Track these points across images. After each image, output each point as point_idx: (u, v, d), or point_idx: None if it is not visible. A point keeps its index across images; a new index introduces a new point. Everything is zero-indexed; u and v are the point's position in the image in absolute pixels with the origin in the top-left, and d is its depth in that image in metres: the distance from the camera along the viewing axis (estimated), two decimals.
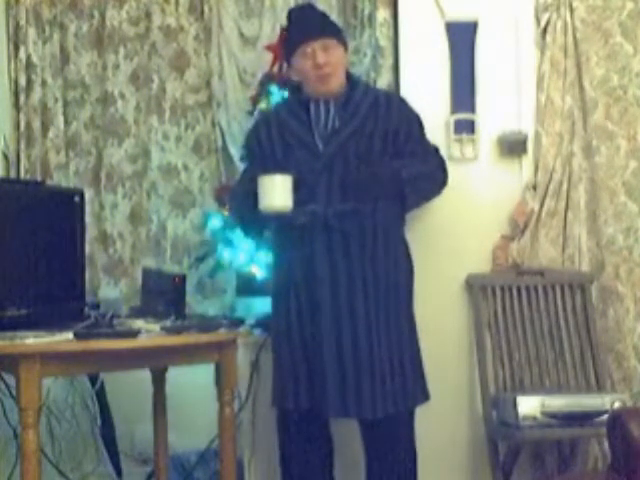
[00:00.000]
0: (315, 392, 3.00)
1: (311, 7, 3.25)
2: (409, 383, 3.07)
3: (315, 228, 3.03)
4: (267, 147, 3.15)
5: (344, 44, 3.16)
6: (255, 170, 3.07)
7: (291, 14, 3.20)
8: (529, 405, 3.23)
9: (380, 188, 3.03)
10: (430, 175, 3.16)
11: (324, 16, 3.21)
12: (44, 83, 4.02)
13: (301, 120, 3.11)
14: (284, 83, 3.63)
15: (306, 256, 3.04)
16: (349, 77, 3.17)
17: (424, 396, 3.13)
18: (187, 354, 3.05)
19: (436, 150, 3.25)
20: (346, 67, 3.17)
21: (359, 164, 3.03)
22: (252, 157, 3.24)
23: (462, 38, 3.67)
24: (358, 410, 2.99)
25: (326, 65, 3.05)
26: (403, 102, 3.26)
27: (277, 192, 2.95)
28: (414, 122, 3.18)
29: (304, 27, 3.10)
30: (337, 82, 3.09)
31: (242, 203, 3.13)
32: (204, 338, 3.03)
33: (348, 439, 3.28)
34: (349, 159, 3.05)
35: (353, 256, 3.03)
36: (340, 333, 2.99)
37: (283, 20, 3.98)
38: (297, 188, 2.97)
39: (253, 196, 2.98)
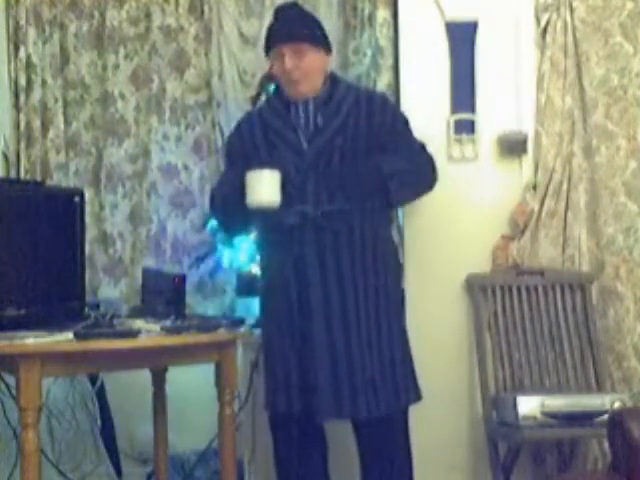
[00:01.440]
0: (308, 395, 3.00)
1: (295, 7, 3.16)
2: (401, 382, 3.05)
3: (305, 228, 3.01)
4: (250, 147, 3.12)
5: (324, 47, 3.10)
6: (238, 169, 3.04)
7: (275, 12, 3.16)
8: (529, 405, 3.23)
9: (363, 184, 3.00)
10: (416, 171, 3.10)
11: (304, 18, 3.13)
12: (44, 83, 4.02)
13: (284, 119, 3.08)
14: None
15: (296, 257, 3.02)
16: (331, 75, 3.14)
17: (416, 395, 3.12)
18: (187, 354, 3.04)
19: (423, 147, 3.18)
20: (325, 70, 3.10)
21: (342, 163, 3.02)
22: (235, 157, 3.19)
23: (462, 38, 3.67)
24: (352, 411, 2.98)
25: (295, 70, 3.01)
26: (386, 100, 3.23)
27: (265, 187, 2.93)
28: (398, 119, 3.14)
29: (278, 29, 3.07)
30: (307, 87, 3.05)
31: (227, 200, 3.09)
32: (204, 338, 3.03)
33: (343, 439, 3.27)
34: (334, 157, 3.02)
35: (343, 256, 3.01)
36: (332, 334, 2.98)
37: None
38: (283, 186, 2.95)
39: (239, 192, 2.95)
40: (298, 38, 3.04)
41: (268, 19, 4.02)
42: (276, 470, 3.17)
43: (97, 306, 3.31)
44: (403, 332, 3.13)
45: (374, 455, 3.08)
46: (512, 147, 3.66)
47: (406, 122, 3.17)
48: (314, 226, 3.00)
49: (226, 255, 3.78)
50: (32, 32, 3.99)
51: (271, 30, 3.11)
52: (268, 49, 3.11)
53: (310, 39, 3.06)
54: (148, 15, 4.11)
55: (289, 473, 3.13)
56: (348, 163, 3.02)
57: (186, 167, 4.13)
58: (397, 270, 3.19)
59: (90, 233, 3.93)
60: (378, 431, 3.05)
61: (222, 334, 3.10)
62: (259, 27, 4.10)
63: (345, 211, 3.01)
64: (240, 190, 2.96)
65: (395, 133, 3.10)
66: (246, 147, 3.13)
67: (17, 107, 3.99)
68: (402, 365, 3.07)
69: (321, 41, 3.10)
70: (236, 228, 3.28)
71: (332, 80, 3.13)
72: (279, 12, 3.14)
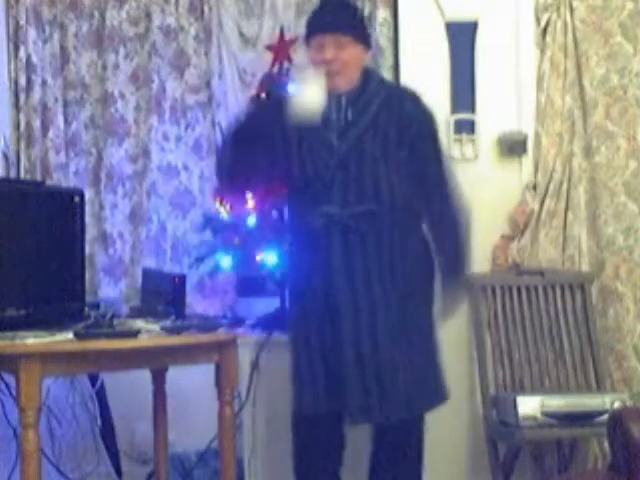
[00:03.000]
0: (336, 398, 2.94)
1: None
2: (427, 385, 3.00)
3: (331, 231, 2.94)
4: (278, 127, 2.99)
5: (364, 42, 3.05)
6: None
7: (320, 0, 3.14)
8: (529, 405, 3.23)
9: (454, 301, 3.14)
10: (465, 241, 3.13)
11: (349, 10, 3.10)
12: (44, 83, 4.02)
13: None
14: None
15: (323, 259, 2.95)
16: (365, 70, 3.06)
17: (442, 397, 3.05)
18: (187, 354, 3.05)
19: (457, 190, 3.12)
20: (362, 65, 3.04)
21: (373, 163, 2.96)
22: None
23: (462, 38, 3.68)
24: (382, 415, 2.92)
25: (334, 61, 2.96)
26: (417, 98, 3.11)
27: (310, 89, 2.88)
28: (426, 120, 3.06)
29: (322, 18, 3.03)
30: (344, 80, 2.99)
31: (248, 121, 3.05)
32: (204, 338, 3.03)
33: (351, 439, 3.26)
34: (365, 156, 2.96)
35: (370, 257, 2.94)
36: (360, 336, 2.92)
37: (283, 20, 3.99)
38: (310, 183, 2.93)
39: (264, 114, 2.96)
40: (341, 30, 2.99)
41: (268, 19, 4.06)
42: (294, 469, 3.10)
43: (97, 306, 3.31)
44: (432, 332, 3.05)
45: (390, 457, 3.04)
46: (512, 147, 3.67)
47: (434, 123, 3.08)
48: (341, 228, 2.94)
49: (226, 255, 3.77)
50: (32, 32, 3.99)
51: (314, 19, 3.06)
52: (307, 37, 3.05)
53: (353, 32, 3.02)
54: (148, 15, 4.11)
55: (307, 473, 3.09)
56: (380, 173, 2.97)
57: (186, 167, 4.13)
58: (429, 269, 3.09)
59: (90, 233, 3.93)
60: (397, 434, 3.01)
61: (222, 334, 3.10)
62: (259, 27, 4.11)
63: (373, 212, 2.94)
64: (265, 111, 2.96)
65: (422, 136, 3.03)
66: (274, 124, 3.01)
67: (17, 107, 3.99)
68: (431, 367, 3.01)
69: (363, 35, 3.06)
70: (243, 170, 3.08)
71: (365, 75, 3.05)
72: (324, 1, 3.11)
